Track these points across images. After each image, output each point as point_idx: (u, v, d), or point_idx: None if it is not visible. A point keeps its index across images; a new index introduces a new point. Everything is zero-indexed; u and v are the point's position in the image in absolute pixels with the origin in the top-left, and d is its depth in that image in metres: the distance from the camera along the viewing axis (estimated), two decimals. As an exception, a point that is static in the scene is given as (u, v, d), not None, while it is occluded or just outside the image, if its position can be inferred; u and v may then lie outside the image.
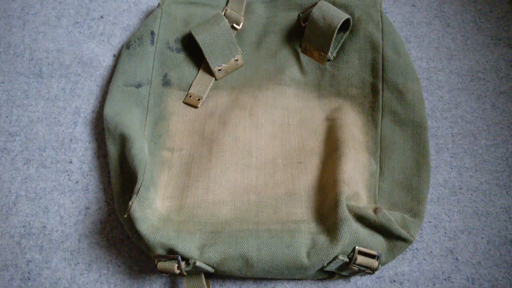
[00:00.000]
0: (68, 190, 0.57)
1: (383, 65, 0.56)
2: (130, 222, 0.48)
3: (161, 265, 0.45)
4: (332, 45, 0.57)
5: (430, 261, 0.52)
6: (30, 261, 0.53)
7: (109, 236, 0.54)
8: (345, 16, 0.56)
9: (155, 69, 0.59)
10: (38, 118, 0.62)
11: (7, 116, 0.62)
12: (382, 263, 0.47)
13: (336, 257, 0.44)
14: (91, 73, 0.65)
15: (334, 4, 0.60)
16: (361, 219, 0.46)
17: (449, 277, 0.51)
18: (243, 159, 0.53)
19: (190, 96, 0.59)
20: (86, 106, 0.63)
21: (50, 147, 0.60)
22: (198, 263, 0.44)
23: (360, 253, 0.45)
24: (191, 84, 0.60)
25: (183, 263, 0.44)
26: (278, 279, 0.51)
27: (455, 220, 0.54)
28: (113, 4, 0.71)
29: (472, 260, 0.52)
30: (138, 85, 0.58)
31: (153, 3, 0.71)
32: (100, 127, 0.61)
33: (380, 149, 0.53)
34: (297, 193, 0.50)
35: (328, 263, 0.44)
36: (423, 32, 0.67)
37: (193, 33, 0.58)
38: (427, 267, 0.52)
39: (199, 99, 0.58)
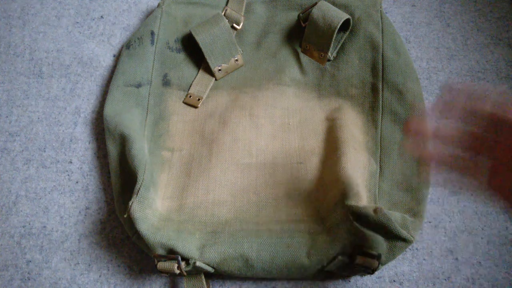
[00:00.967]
0: (68, 190, 0.57)
1: (383, 65, 0.56)
2: (130, 222, 0.48)
3: (161, 265, 0.45)
4: (332, 45, 0.57)
5: (430, 261, 0.52)
6: (30, 261, 0.53)
7: (109, 236, 0.54)
8: (345, 16, 0.56)
9: (155, 69, 0.59)
10: (38, 118, 0.62)
11: (7, 116, 0.62)
12: (382, 263, 0.47)
13: (336, 257, 0.44)
14: (91, 73, 0.65)
15: (334, 4, 0.60)
16: (361, 219, 0.46)
17: (449, 277, 0.51)
18: (243, 159, 0.53)
19: (190, 96, 0.59)
20: (86, 106, 0.63)
21: (50, 147, 0.60)
22: (198, 263, 0.44)
23: (360, 253, 0.45)
24: (191, 84, 0.60)
25: (183, 263, 0.44)
26: (278, 279, 0.51)
27: (455, 220, 0.54)
28: (113, 4, 0.71)
29: (472, 260, 0.52)
30: (138, 85, 0.58)
31: (153, 3, 0.71)
32: (100, 127, 0.61)
33: (380, 149, 0.53)
34: (297, 193, 0.50)
35: (328, 263, 0.44)
36: (423, 32, 0.67)
37: (193, 33, 0.58)
38: (427, 267, 0.52)
39: (199, 99, 0.58)
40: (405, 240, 0.46)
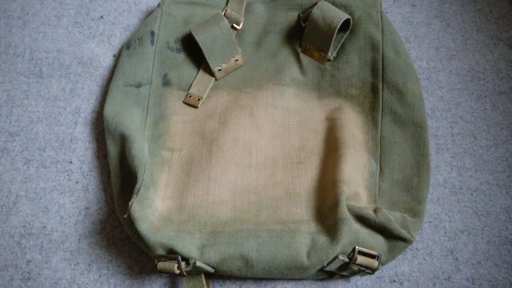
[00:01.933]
0: (68, 190, 0.57)
1: (383, 65, 0.56)
2: (130, 222, 0.48)
3: (161, 265, 0.45)
4: (332, 45, 0.57)
5: (430, 261, 0.52)
6: (30, 261, 0.53)
7: (109, 236, 0.54)
8: (345, 16, 0.55)
9: (155, 69, 0.59)
10: (38, 118, 0.62)
11: (7, 116, 0.62)
12: (382, 263, 0.47)
13: (336, 257, 0.44)
14: (91, 73, 0.65)
15: (334, 4, 0.60)
16: (361, 219, 0.46)
17: (449, 277, 0.51)
18: (243, 159, 0.53)
19: (190, 96, 0.59)
20: (86, 106, 0.63)
21: (50, 147, 0.60)
22: (198, 263, 0.44)
23: (360, 253, 0.45)
24: (191, 84, 0.60)
25: (183, 263, 0.44)
26: (278, 279, 0.51)
27: (455, 220, 0.54)
28: (113, 4, 0.71)
29: (472, 260, 0.52)
30: (138, 85, 0.58)
31: (153, 3, 0.71)
32: (100, 127, 0.61)
33: (380, 149, 0.53)
34: (297, 193, 0.50)
35: (328, 263, 0.44)
36: (423, 32, 0.67)
37: (193, 33, 0.58)
38: (427, 267, 0.52)
39: (199, 99, 0.58)
40: (405, 240, 0.46)
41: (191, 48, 0.61)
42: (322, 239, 0.45)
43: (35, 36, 0.69)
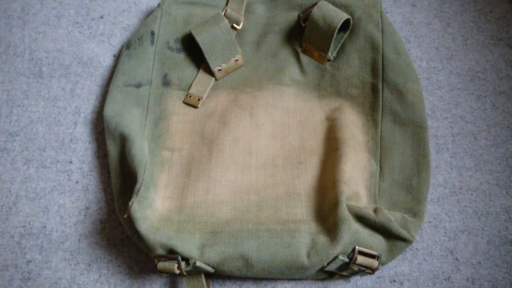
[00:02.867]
0: (68, 190, 0.57)
1: (383, 65, 0.56)
2: (130, 222, 0.48)
3: (161, 265, 0.45)
4: (332, 45, 0.57)
5: (430, 261, 0.52)
6: (30, 261, 0.53)
7: (109, 236, 0.54)
8: (345, 16, 0.55)
9: (155, 69, 0.59)
10: (38, 118, 0.62)
11: (7, 116, 0.62)
12: (382, 263, 0.47)
13: (336, 257, 0.44)
14: (91, 73, 0.65)
15: (334, 4, 0.60)
16: (361, 219, 0.46)
17: (449, 277, 0.51)
18: (243, 159, 0.53)
19: (190, 96, 0.59)
20: (86, 106, 0.63)
21: (50, 147, 0.60)
22: (198, 263, 0.44)
23: (360, 253, 0.45)
24: (191, 84, 0.60)
25: (183, 263, 0.44)
26: (278, 279, 0.51)
27: (455, 220, 0.54)
28: (113, 4, 0.71)
29: (472, 260, 0.52)
30: (138, 85, 0.58)
31: (153, 3, 0.71)
32: (100, 127, 0.61)
33: (380, 149, 0.53)
34: (297, 193, 0.50)
35: (328, 263, 0.44)
36: (423, 32, 0.67)
37: (193, 33, 0.58)
38: (427, 267, 0.52)
39: (199, 99, 0.58)
40: (405, 240, 0.46)
41: (191, 48, 0.61)
42: (322, 239, 0.45)
43: (35, 36, 0.69)
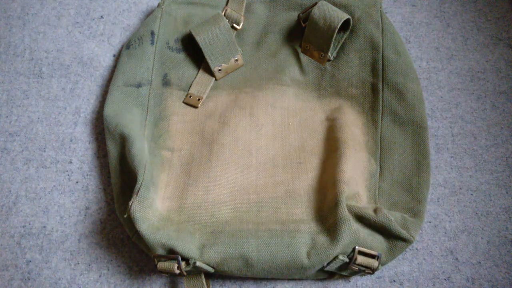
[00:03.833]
0: (68, 190, 0.57)
1: (383, 65, 0.56)
2: (130, 222, 0.48)
3: (161, 265, 0.45)
4: (332, 45, 0.57)
5: (430, 261, 0.52)
6: (30, 261, 0.53)
7: (109, 236, 0.54)
8: (345, 16, 0.55)
9: (155, 69, 0.59)
10: (38, 118, 0.62)
11: (7, 116, 0.62)
12: (382, 263, 0.47)
13: (336, 257, 0.44)
14: (91, 73, 0.65)
15: (334, 4, 0.60)
16: (361, 219, 0.46)
17: (449, 277, 0.51)
18: (243, 159, 0.53)
19: (190, 96, 0.59)
20: (86, 106, 0.63)
21: (50, 147, 0.60)
22: (198, 263, 0.44)
23: (360, 253, 0.45)
24: (191, 84, 0.60)
25: (183, 263, 0.44)
26: (278, 279, 0.51)
27: (455, 220, 0.54)
28: (113, 4, 0.71)
29: (472, 260, 0.52)
30: (138, 85, 0.58)
31: (153, 3, 0.71)
32: (100, 127, 0.61)
33: (380, 149, 0.53)
34: (297, 193, 0.50)
35: (328, 263, 0.44)
36: (423, 32, 0.67)
37: (193, 33, 0.58)
38: (427, 267, 0.52)
39: (199, 99, 0.58)
40: (405, 240, 0.46)
41: (191, 48, 0.61)
42: (322, 239, 0.45)
43: (35, 36, 0.69)
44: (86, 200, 0.56)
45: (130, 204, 0.46)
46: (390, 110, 0.55)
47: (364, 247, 0.45)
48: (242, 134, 0.55)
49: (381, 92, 0.55)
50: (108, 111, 0.56)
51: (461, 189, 0.56)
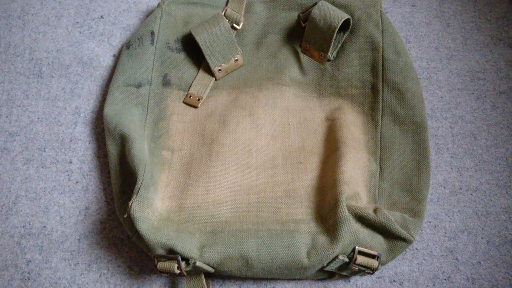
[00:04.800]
0: (68, 190, 0.57)
1: (383, 65, 0.56)
2: (130, 222, 0.48)
3: (161, 265, 0.45)
4: (332, 45, 0.57)
5: (430, 261, 0.52)
6: (30, 261, 0.53)
7: (109, 236, 0.54)
8: (345, 16, 0.55)
9: (155, 69, 0.59)
10: (38, 118, 0.62)
11: (7, 116, 0.62)
12: (382, 263, 0.47)
13: (336, 257, 0.44)
14: (91, 73, 0.65)
15: (334, 4, 0.60)
16: (361, 219, 0.46)
17: (449, 277, 0.51)
18: (243, 159, 0.53)
19: (190, 96, 0.59)
20: (86, 106, 0.63)
21: (50, 147, 0.60)
22: (198, 263, 0.44)
23: (360, 253, 0.45)
24: (191, 84, 0.60)
25: (183, 263, 0.44)
26: (278, 279, 0.51)
27: (455, 220, 0.54)
28: (113, 4, 0.71)
29: (472, 260, 0.52)
30: (138, 85, 0.58)
31: (153, 3, 0.71)
32: (100, 127, 0.61)
33: (380, 149, 0.53)
34: (297, 193, 0.50)
35: (328, 263, 0.44)
36: (423, 32, 0.67)
37: (193, 33, 0.58)
38: (427, 267, 0.52)
39: (199, 99, 0.58)
40: (405, 240, 0.46)
41: (191, 48, 0.61)
42: (322, 239, 0.45)
43: (35, 36, 0.69)
44: (86, 200, 0.56)
45: (130, 204, 0.46)
46: (390, 110, 0.55)
47: (364, 247, 0.45)
48: (242, 134, 0.55)
49: (381, 92, 0.55)
50: (108, 111, 0.56)
51: (461, 189, 0.56)
